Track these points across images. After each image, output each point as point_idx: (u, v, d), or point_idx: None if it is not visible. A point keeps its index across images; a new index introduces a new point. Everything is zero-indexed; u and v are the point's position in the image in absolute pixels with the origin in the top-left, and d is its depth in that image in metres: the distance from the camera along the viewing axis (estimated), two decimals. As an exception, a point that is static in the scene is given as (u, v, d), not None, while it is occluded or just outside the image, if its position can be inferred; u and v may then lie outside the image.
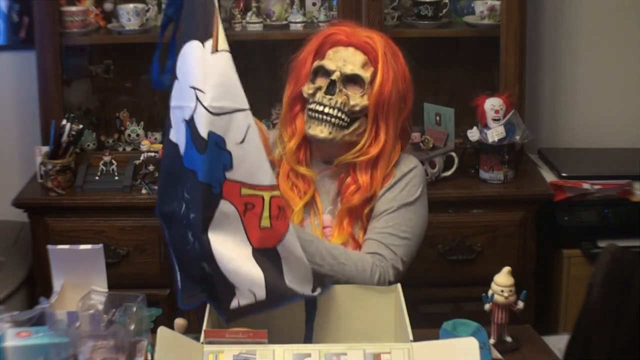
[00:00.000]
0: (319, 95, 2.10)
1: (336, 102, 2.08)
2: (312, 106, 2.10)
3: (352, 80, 2.10)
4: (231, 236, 1.82)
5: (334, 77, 2.09)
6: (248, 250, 1.83)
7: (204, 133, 1.77)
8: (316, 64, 2.14)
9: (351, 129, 2.11)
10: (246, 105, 1.78)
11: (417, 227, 2.13)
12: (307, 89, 2.13)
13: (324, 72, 2.12)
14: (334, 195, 2.16)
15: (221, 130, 1.77)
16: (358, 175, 2.12)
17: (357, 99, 2.09)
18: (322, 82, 2.12)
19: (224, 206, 1.81)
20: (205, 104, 1.76)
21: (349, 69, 2.09)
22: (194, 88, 1.78)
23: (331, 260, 1.98)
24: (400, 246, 2.07)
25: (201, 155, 1.79)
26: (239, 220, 1.82)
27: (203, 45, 1.79)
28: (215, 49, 1.77)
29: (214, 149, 1.78)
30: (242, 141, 1.78)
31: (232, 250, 1.82)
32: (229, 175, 1.79)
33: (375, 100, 2.10)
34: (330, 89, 2.09)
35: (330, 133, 2.08)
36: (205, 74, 1.78)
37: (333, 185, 2.15)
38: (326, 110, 2.08)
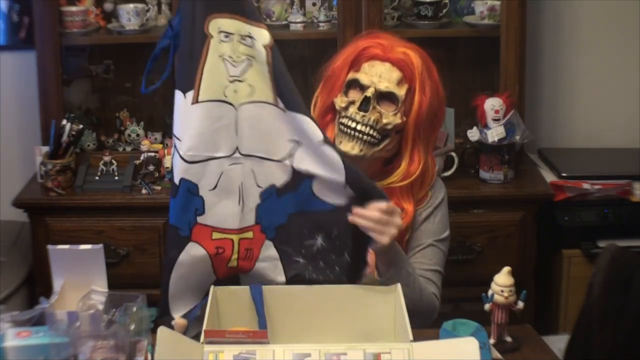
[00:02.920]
0: (352, 111, 2.06)
1: (369, 119, 2.05)
2: (344, 121, 2.08)
3: (386, 97, 2.07)
4: (193, 276, 1.96)
5: (368, 93, 2.06)
6: (208, 281, 1.94)
7: (176, 179, 1.90)
8: (351, 76, 2.11)
9: (382, 145, 2.09)
10: (223, 153, 1.88)
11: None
12: (339, 102, 2.10)
13: (358, 85, 2.09)
14: None
15: (195, 177, 1.89)
16: (401, 200, 2.10)
17: (390, 117, 2.07)
18: (355, 95, 2.09)
19: (192, 248, 1.93)
20: (181, 153, 1.88)
21: (383, 86, 2.07)
22: (175, 136, 1.90)
23: (417, 282, 2.05)
24: (440, 282, 2.14)
25: (172, 199, 1.92)
26: (208, 262, 1.94)
27: (184, 96, 1.88)
28: (195, 100, 1.86)
29: (185, 194, 1.90)
30: (214, 188, 1.90)
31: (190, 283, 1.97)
32: (201, 219, 1.92)
33: (414, 122, 2.08)
34: (364, 106, 2.06)
35: (361, 150, 2.06)
36: (184, 124, 1.89)
37: None
38: (358, 127, 2.05)
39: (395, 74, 2.08)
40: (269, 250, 1.95)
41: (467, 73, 3.24)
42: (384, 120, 2.07)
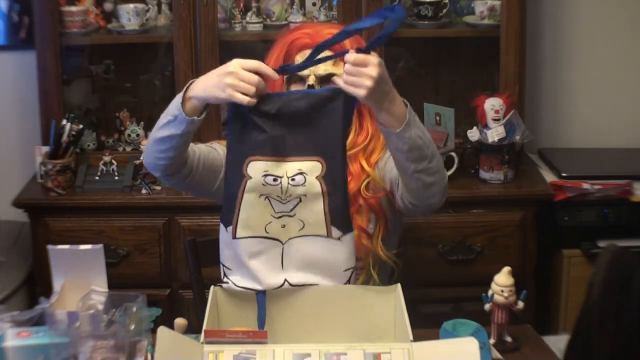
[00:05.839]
0: None
1: None
2: None
3: (327, 79, 2.09)
4: None
5: (310, 82, 2.07)
6: None
7: None
8: None
9: None
10: (265, 287, 1.88)
11: None
12: None
13: (298, 78, 2.09)
14: None
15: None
16: (348, 165, 2.08)
17: None
18: (297, 88, 2.09)
19: None
20: (233, 281, 1.90)
21: (322, 70, 2.08)
22: (223, 265, 1.92)
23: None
24: None
25: None
26: None
27: (226, 230, 1.89)
28: (234, 236, 1.88)
29: None
30: None
31: None
32: None
33: None
34: None
35: None
36: (229, 256, 1.90)
37: None
38: None
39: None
40: None
41: (467, 73, 3.24)
42: None
